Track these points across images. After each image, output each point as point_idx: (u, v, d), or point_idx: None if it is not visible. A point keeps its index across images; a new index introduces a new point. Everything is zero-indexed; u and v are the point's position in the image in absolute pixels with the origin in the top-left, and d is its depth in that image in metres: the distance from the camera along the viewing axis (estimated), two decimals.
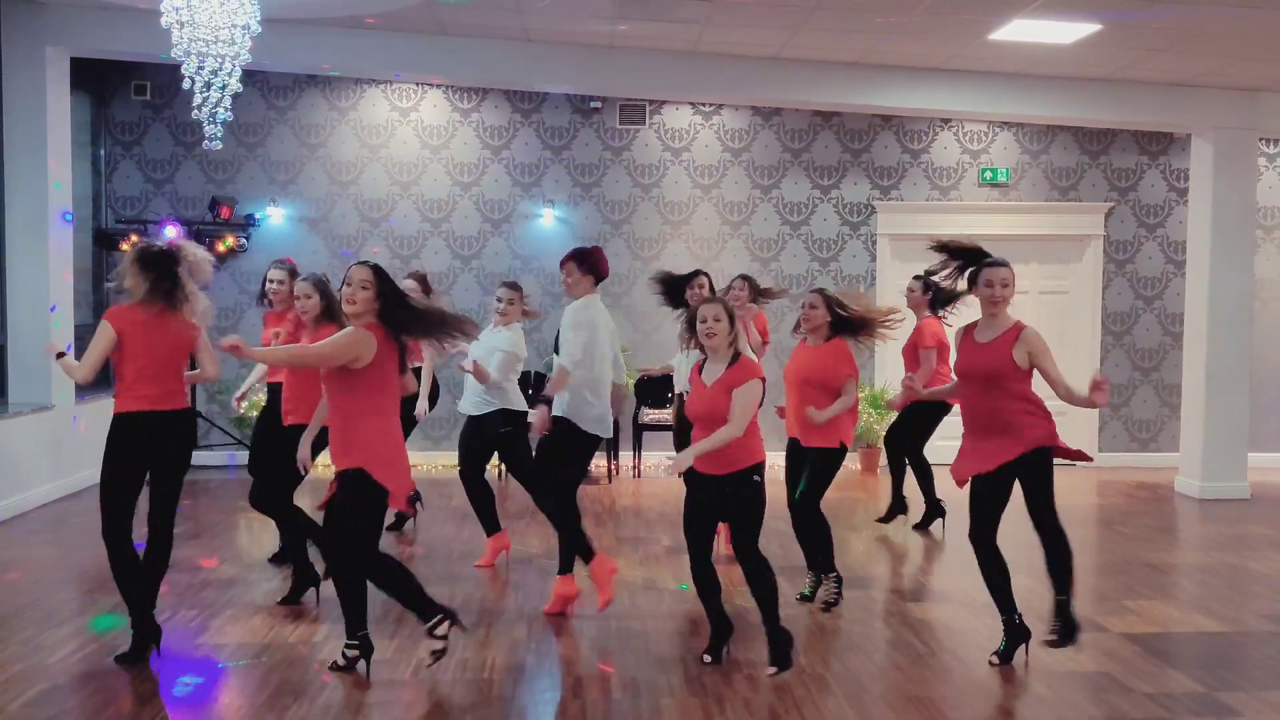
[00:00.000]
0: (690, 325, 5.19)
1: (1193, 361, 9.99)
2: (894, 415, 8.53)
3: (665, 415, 10.18)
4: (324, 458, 5.93)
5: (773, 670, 4.95)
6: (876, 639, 5.58)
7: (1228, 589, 6.68)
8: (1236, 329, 9.77)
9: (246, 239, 10.58)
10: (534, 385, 9.57)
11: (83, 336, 9.90)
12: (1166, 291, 11.35)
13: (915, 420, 7.93)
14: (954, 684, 4.96)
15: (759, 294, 7.56)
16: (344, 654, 4.98)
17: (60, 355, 5.39)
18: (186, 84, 6.76)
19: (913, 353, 7.91)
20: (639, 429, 10.55)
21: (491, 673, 5.01)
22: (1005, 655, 5.14)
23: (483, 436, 6.77)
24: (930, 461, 8.02)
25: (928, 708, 4.66)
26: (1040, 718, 4.59)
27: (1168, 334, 11.34)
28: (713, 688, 4.83)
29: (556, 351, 5.95)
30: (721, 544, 7.32)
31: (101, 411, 9.25)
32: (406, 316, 4.79)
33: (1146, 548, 7.72)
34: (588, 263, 5.91)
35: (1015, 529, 5.29)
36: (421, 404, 7.46)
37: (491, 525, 6.94)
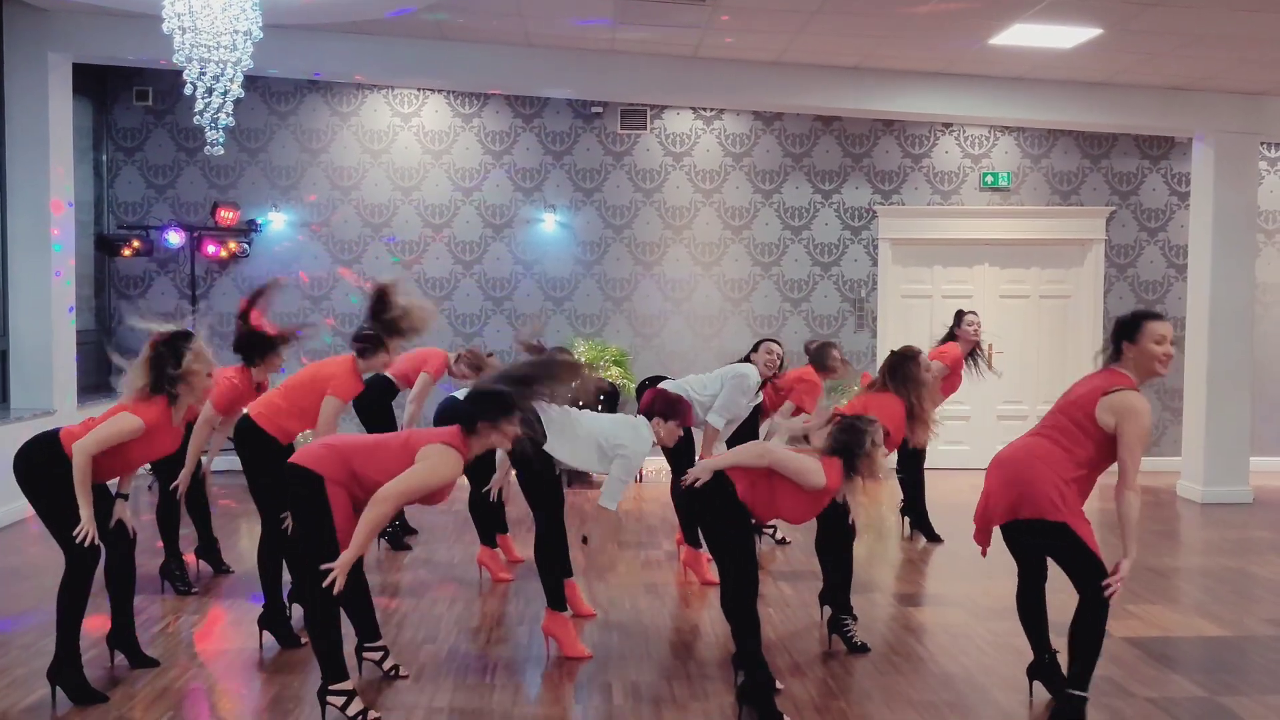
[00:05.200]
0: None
1: (1194, 366, 9.99)
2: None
3: None
4: None
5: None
6: (878, 644, 5.56)
7: (1230, 593, 6.67)
8: (1238, 333, 9.76)
9: (248, 244, 10.59)
10: None
11: (85, 343, 9.93)
12: (1168, 295, 11.34)
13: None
14: (956, 689, 4.96)
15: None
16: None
17: None
18: (188, 89, 6.76)
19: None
20: None
21: (493, 677, 5.01)
22: None
23: None
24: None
25: (930, 712, 4.65)
26: None
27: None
28: (715, 694, 4.83)
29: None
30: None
31: None
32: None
33: (1148, 552, 7.70)
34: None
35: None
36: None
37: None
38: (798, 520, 4.72)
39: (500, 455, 6.16)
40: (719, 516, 4.59)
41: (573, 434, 5.28)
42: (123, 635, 5.05)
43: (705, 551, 6.74)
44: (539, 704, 4.76)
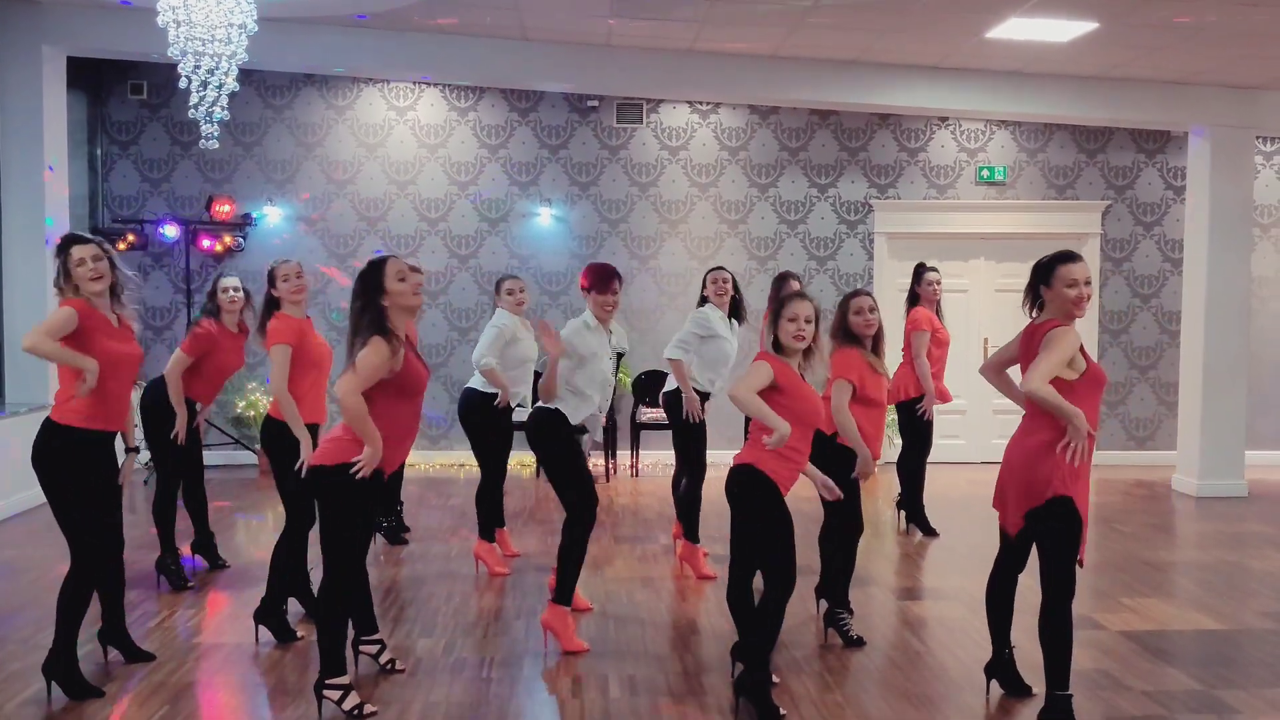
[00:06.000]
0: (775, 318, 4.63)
1: (1190, 359, 10.00)
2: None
3: (663, 415, 10.13)
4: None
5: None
6: (874, 637, 5.57)
7: (1226, 587, 6.68)
8: (1233, 327, 9.78)
9: (243, 238, 10.57)
10: None
11: None
12: (1164, 290, 11.35)
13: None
14: (951, 681, 4.96)
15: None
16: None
17: None
18: (183, 83, 6.76)
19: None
20: (636, 428, 10.55)
21: (489, 670, 5.01)
22: None
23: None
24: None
25: (925, 705, 4.66)
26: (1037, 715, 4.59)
27: (1165, 332, 11.35)
28: (711, 686, 4.83)
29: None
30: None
31: None
32: None
33: (1144, 545, 7.72)
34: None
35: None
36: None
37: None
38: (822, 418, 4.69)
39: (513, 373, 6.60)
40: (763, 514, 4.54)
41: (565, 384, 5.37)
42: (115, 631, 5.05)
43: (702, 546, 6.76)
44: (536, 698, 4.76)
